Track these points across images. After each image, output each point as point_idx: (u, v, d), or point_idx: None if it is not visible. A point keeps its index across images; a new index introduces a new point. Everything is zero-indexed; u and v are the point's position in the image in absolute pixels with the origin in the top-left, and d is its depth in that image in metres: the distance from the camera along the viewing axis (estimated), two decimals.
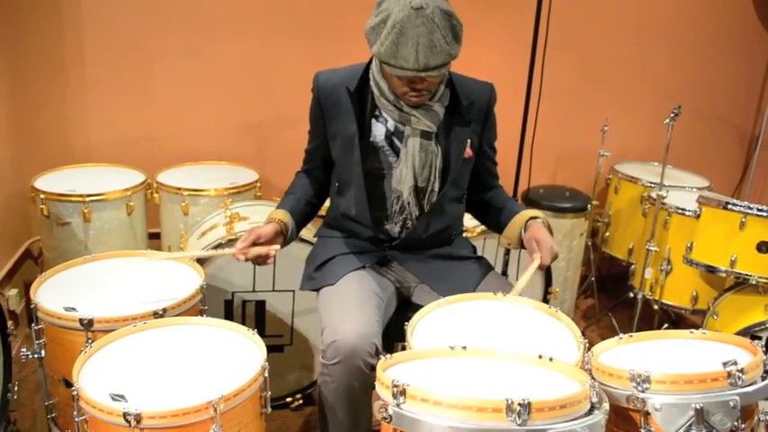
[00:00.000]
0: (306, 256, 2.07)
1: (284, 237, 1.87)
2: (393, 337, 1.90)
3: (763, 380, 1.36)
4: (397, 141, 1.85)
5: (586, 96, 3.55)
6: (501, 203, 2.02)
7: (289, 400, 2.46)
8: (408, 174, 1.83)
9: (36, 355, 1.79)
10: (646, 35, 3.50)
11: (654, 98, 3.59)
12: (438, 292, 1.87)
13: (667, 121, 2.63)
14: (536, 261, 1.75)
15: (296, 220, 1.92)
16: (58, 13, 2.94)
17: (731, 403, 1.30)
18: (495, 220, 2.02)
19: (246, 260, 1.77)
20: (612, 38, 3.49)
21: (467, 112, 1.87)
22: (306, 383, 2.48)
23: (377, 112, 1.85)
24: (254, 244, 1.78)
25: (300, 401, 2.47)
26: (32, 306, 1.76)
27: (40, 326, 1.76)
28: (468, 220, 2.16)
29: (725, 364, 1.34)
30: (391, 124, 1.85)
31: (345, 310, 1.74)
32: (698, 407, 1.29)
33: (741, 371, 1.31)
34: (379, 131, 1.86)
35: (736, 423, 1.31)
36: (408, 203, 1.87)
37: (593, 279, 3.35)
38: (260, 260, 1.78)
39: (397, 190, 1.87)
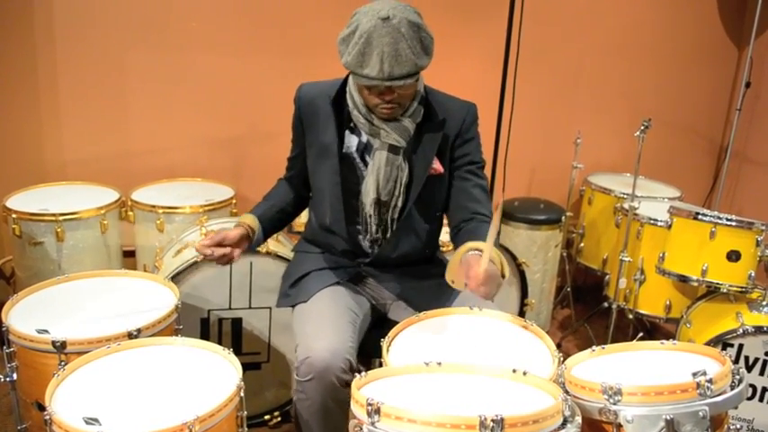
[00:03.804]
0: (282, 273, 2.07)
1: (250, 241, 1.88)
2: (370, 354, 1.90)
3: (731, 389, 1.39)
4: (367, 155, 1.86)
5: (559, 109, 3.59)
6: (468, 237, 1.76)
7: (267, 417, 2.44)
8: (372, 186, 1.83)
9: (8, 379, 1.76)
10: (617, 48, 3.56)
11: (625, 110, 3.65)
12: (414, 307, 1.88)
13: (638, 133, 2.67)
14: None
15: (264, 226, 1.93)
16: (30, 30, 2.92)
17: (701, 413, 1.32)
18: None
19: (209, 257, 1.76)
20: (584, 51, 3.54)
21: (439, 128, 1.85)
22: (284, 400, 2.47)
23: (352, 125, 1.86)
24: (219, 245, 1.78)
25: (278, 419, 2.45)
26: (4, 328, 1.74)
27: (11, 348, 1.73)
28: (444, 234, 2.18)
29: (694, 374, 1.36)
30: (365, 138, 1.86)
31: (318, 326, 1.74)
32: (668, 418, 1.32)
33: (710, 381, 1.34)
34: (352, 142, 1.87)
35: None
36: (370, 216, 1.87)
37: (568, 290, 3.38)
38: (223, 260, 1.78)
39: (362, 202, 1.88)
